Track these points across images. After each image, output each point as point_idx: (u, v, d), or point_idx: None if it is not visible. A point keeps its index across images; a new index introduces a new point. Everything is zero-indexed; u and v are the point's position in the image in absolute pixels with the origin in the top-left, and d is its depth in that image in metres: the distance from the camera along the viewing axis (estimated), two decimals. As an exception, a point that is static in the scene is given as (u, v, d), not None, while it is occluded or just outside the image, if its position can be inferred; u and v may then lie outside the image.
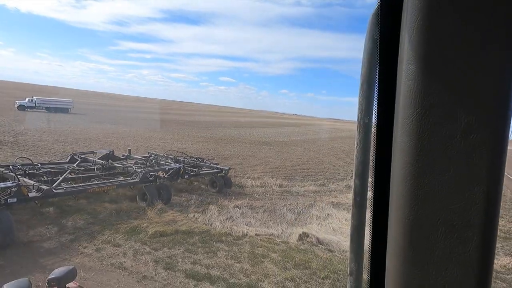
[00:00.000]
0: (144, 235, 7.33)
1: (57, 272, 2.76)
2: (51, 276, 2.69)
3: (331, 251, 7.72)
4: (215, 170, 13.99)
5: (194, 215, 9.53)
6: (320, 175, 20.32)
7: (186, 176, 12.74)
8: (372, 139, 0.83)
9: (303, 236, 8.55)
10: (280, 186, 15.70)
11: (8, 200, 7.28)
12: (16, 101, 43.15)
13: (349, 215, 11.49)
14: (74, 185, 9.46)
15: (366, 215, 0.89)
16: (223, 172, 14.05)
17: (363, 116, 0.84)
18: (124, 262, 6.10)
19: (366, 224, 0.88)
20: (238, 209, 10.94)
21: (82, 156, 12.75)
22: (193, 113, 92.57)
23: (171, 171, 11.71)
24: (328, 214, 11.54)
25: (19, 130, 24.23)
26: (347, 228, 10.13)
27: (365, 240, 0.89)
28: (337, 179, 19.62)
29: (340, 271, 6.18)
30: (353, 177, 0.89)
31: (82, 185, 9.46)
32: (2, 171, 9.32)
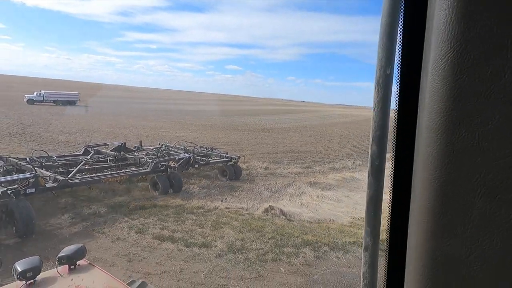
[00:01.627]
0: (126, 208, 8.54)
1: (67, 250, 2.83)
2: (61, 254, 2.77)
3: (290, 220, 8.76)
4: (224, 159, 14.19)
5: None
6: (309, 158, 21.24)
7: (196, 165, 13.01)
8: (393, 95, 0.76)
9: (268, 209, 9.59)
10: (266, 169, 16.69)
11: (27, 190, 7.60)
12: (25, 95, 44.91)
13: (323, 193, 12.48)
14: (88, 175, 9.91)
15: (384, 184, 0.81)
16: (233, 160, 14.20)
17: (383, 70, 0.76)
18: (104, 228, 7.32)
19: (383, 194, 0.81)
20: (218, 188, 12.05)
21: (95, 148, 13.19)
22: (198, 103, 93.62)
23: (181, 161, 12.11)
24: (302, 192, 12.54)
25: (27, 123, 25.76)
26: (314, 203, 11.14)
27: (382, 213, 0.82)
28: (325, 162, 20.53)
29: (286, 234, 7.21)
30: (370, 142, 0.82)
31: (96, 176, 9.88)
32: (20, 164, 9.65)
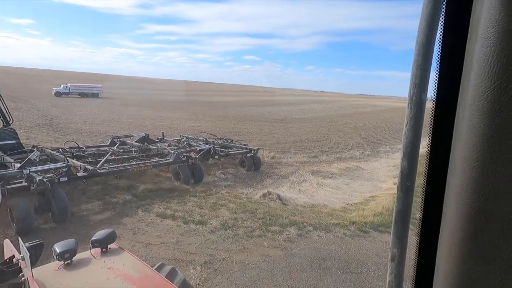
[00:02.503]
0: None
1: (99, 234, 3.02)
2: (94, 238, 2.97)
3: (284, 204, 9.40)
4: (244, 150, 14.48)
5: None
6: (317, 148, 21.59)
7: (216, 156, 13.32)
8: (426, 116, 0.75)
9: (266, 194, 10.26)
10: (272, 158, 17.29)
11: (61, 179, 8.11)
12: (53, 88, 47.70)
13: (323, 181, 12.96)
14: (115, 165, 10.31)
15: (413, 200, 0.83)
16: (252, 152, 14.46)
17: (416, 90, 0.75)
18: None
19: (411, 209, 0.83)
20: (223, 175, 12.84)
21: (121, 139, 13.90)
22: (215, 94, 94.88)
23: (202, 151, 12.50)
24: (303, 180, 13.09)
25: (54, 114, 27.69)
26: (313, 190, 11.68)
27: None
28: (333, 152, 20.83)
29: (276, 215, 7.87)
30: (401, 158, 0.83)
31: (122, 166, 10.32)
32: (54, 154, 10.21)
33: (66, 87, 48.08)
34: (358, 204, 9.71)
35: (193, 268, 5.35)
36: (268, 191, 10.44)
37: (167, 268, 3.30)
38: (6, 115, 12.26)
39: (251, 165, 14.00)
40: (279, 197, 10.14)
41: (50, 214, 7.62)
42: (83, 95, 49.61)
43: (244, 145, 15.30)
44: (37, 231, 6.95)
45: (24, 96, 39.77)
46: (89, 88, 51.86)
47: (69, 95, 47.69)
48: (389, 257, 0.89)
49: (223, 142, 15.38)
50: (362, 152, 21.36)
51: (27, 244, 2.38)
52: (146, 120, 28.66)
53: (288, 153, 18.71)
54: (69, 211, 7.75)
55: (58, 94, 46.22)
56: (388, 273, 0.91)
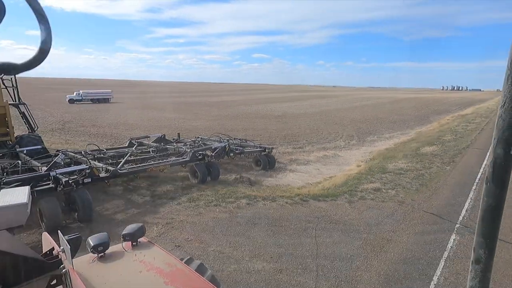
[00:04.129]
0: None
1: (130, 228, 3.06)
2: (125, 232, 3.01)
3: (251, 185, 11.03)
4: (258, 149, 14.72)
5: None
6: (305, 140, 22.95)
7: (231, 154, 13.56)
8: None
9: (238, 178, 11.87)
10: (258, 149, 18.87)
11: (85, 180, 8.52)
12: (67, 96, 50.90)
13: (297, 167, 14.50)
14: (134, 165, 10.72)
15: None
16: (267, 151, 14.64)
17: None
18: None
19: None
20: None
21: (138, 140, 14.54)
22: (222, 94, 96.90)
23: (217, 149, 12.79)
24: (278, 167, 14.65)
25: (66, 120, 30.23)
26: (283, 174, 13.19)
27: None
28: (319, 142, 22.13)
29: (237, 192, 9.52)
30: (494, 144, 0.73)
31: (141, 165, 10.74)
32: (77, 157, 10.76)
33: (79, 94, 51.18)
34: (315, 183, 11.23)
35: (156, 227, 7.13)
36: (240, 175, 12.06)
37: (196, 262, 3.34)
38: (32, 122, 13.00)
39: (266, 163, 14.13)
40: (249, 180, 11.75)
41: (75, 213, 8.08)
42: (94, 101, 52.62)
43: (258, 144, 15.55)
44: (64, 230, 7.61)
45: (40, 105, 42.81)
46: (100, 94, 54.84)
47: (81, 102, 50.79)
48: (472, 259, 0.80)
49: (237, 142, 15.55)
50: (348, 142, 22.58)
51: (66, 237, 2.46)
52: (150, 122, 30.75)
53: (275, 145, 20.25)
54: (93, 210, 8.21)
55: (71, 101, 49.35)
56: (469, 278, 0.82)
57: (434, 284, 5.29)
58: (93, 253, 2.78)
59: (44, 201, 7.46)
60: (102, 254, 2.80)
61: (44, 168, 8.58)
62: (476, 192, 10.18)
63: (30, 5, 0.67)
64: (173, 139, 15.91)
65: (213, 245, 6.28)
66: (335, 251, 6.24)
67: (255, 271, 5.47)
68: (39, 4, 0.67)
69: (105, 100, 54.12)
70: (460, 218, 8.16)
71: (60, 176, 8.26)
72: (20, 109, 12.47)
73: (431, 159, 14.68)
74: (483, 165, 13.52)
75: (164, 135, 15.65)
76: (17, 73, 0.73)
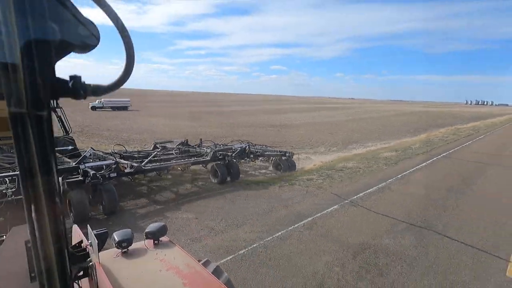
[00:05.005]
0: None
1: (152, 227, 3.18)
2: (148, 230, 3.15)
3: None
4: (278, 153, 15.03)
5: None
6: (290, 146, 25.29)
7: (251, 156, 13.97)
8: None
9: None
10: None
11: (111, 174, 8.89)
12: (90, 103, 56.06)
13: (264, 164, 16.97)
14: (157, 163, 11.13)
15: None
16: (287, 155, 14.89)
17: None
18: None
19: None
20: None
21: (162, 144, 15.25)
22: (237, 104, 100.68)
23: (237, 150, 13.24)
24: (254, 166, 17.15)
25: (86, 124, 34.30)
26: (253, 171, 15.71)
27: None
28: (302, 148, 24.29)
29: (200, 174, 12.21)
30: None
31: (164, 163, 11.17)
32: (105, 156, 11.16)
33: (100, 102, 56.16)
34: (270, 177, 13.71)
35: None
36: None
37: (212, 265, 3.41)
38: (66, 125, 13.85)
39: (286, 167, 14.29)
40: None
41: (101, 206, 8.49)
42: (114, 108, 57.48)
43: (278, 150, 16.12)
44: (90, 221, 7.74)
45: (67, 111, 47.71)
46: (119, 102, 59.71)
47: (102, 109, 55.74)
48: None
49: (257, 148, 15.68)
50: (329, 149, 24.64)
51: (94, 231, 2.52)
52: (162, 128, 34.08)
53: (259, 150, 22.82)
54: (117, 204, 8.59)
55: (93, 108, 54.36)
56: None
57: (296, 228, 7.62)
58: (117, 248, 2.89)
59: (73, 193, 7.92)
60: (126, 250, 2.91)
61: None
62: (388, 183, 12.33)
63: (120, 34, 0.72)
64: (195, 145, 16.16)
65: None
66: (256, 208, 8.87)
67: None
68: (128, 34, 0.73)
69: (124, 108, 58.88)
70: (353, 198, 10.44)
71: (88, 170, 8.71)
72: (57, 113, 13.42)
73: (379, 161, 16.75)
74: (420, 166, 15.42)
75: (187, 140, 15.91)
76: (102, 95, 0.78)
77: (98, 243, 2.41)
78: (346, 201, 10.10)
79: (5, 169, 8.24)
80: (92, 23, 0.68)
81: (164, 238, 3.21)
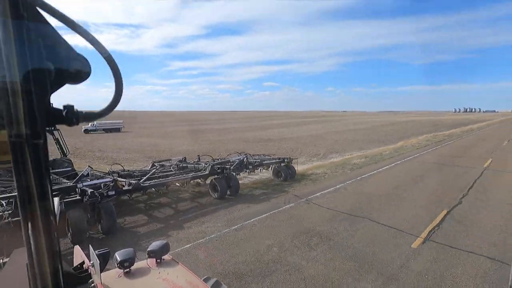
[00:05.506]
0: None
1: (155, 245, 3.14)
2: (150, 249, 3.10)
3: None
4: (277, 160, 14.77)
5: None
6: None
7: (250, 167, 13.77)
8: None
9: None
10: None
11: (109, 192, 8.77)
12: (82, 126, 57.46)
13: (245, 175, 18.45)
14: (156, 180, 11.15)
15: None
16: (286, 161, 14.67)
17: None
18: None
19: None
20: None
21: (161, 163, 15.29)
22: (227, 121, 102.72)
23: (235, 162, 13.21)
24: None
25: (78, 146, 35.58)
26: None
27: None
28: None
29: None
30: None
31: (163, 179, 11.17)
32: (102, 176, 11.22)
33: (93, 124, 57.53)
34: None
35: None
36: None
37: (212, 281, 3.47)
38: (64, 147, 13.98)
39: (287, 174, 14.21)
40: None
41: (99, 225, 8.45)
42: (107, 130, 58.92)
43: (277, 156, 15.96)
44: (89, 240, 7.67)
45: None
46: (112, 124, 61.23)
47: (95, 131, 57.15)
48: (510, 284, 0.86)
49: (255, 158, 15.63)
50: (310, 158, 26.13)
51: (96, 251, 2.48)
52: (150, 147, 35.50)
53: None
54: (116, 223, 8.55)
55: (86, 131, 55.76)
56: None
57: (250, 222, 8.94)
58: (120, 268, 2.83)
59: (71, 212, 7.85)
60: (128, 270, 2.86)
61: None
62: (345, 184, 13.77)
63: (108, 64, 0.77)
64: (193, 161, 16.01)
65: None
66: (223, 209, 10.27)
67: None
68: (116, 64, 0.78)
69: (116, 130, 60.36)
70: (309, 197, 11.86)
71: (86, 188, 8.65)
72: (54, 135, 13.54)
73: (346, 167, 18.30)
74: (381, 169, 16.95)
75: (185, 157, 15.94)
76: (94, 121, 0.85)
77: (100, 263, 2.40)
78: (303, 199, 11.55)
79: (2, 191, 8.21)
80: (83, 57, 0.75)
81: (166, 257, 3.20)
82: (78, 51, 0.75)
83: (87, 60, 0.76)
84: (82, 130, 56.08)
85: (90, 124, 57.72)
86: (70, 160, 13.92)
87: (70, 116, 0.75)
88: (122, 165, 14.26)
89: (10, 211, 7.10)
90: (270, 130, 62.08)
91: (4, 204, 7.38)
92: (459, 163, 19.16)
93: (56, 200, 5.79)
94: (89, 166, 11.74)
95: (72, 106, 0.76)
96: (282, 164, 14.74)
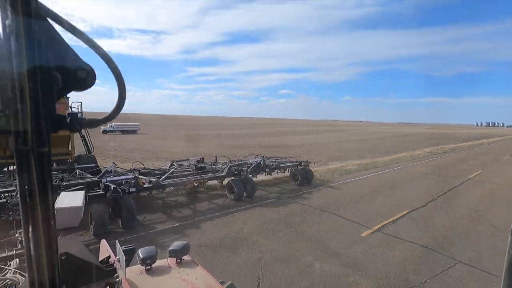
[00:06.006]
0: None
1: (175, 245, 3.20)
2: (171, 248, 3.17)
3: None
4: (294, 163, 14.90)
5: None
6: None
7: (267, 169, 13.96)
8: None
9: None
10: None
11: (130, 189, 9.06)
12: (102, 127, 60.96)
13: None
14: (174, 179, 11.48)
15: None
16: (303, 164, 14.71)
17: None
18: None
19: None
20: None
21: (179, 162, 15.61)
22: (239, 127, 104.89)
23: (252, 165, 13.42)
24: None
25: (95, 145, 38.31)
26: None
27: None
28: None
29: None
30: None
31: (181, 179, 11.58)
32: (124, 173, 11.62)
33: (111, 126, 61.10)
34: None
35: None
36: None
37: (226, 284, 3.55)
38: (89, 145, 14.91)
39: (304, 178, 14.18)
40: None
41: (120, 220, 8.75)
42: (124, 131, 62.21)
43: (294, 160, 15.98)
44: (110, 234, 8.09)
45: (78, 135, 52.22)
46: (129, 126, 64.59)
47: (113, 132, 60.51)
48: None
49: (272, 161, 15.82)
50: (310, 164, 27.53)
51: (123, 247, 2.53)
52: (162, 147, 37.78)
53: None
54: (136, 219, 8.93)
55: (104, 131, 59.19)
56: None
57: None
58: (142, 265, 2.93)
59: (94, 206, 8.23)
60: (150, 267, 2.95)
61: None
62: (329, 185, 15.07)
63: (110, 68, 0.79)
64: (210, 162, 16.24)
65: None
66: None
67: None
68: (117, 67, 0.80)
69: (133, 132, 63.58)
70: (290, 195, 13.28)
71: (109, 184, 9.05)
72: (81, 133, 14.29)
73: (335, 172, 19.57)
74: (371, 174, 18.11)
75: (203, 158, 16.27)
76: (96, 127, 0.87)
77: (125, 259, 2.44)
78: (289, 199, 13.02)
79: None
80: (89, 66, 0.77)
81: (186, 257, 3.26)
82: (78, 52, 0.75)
83: (92, 69, 0.78)
84: (101, 130, 59.50)
85: (108, 125, 61.28)
86: (94, 157, 14.65)
87: (74, 122, 0.78)
88: (143, 163, 14.66)
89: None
90: (280, 137, 63.42)
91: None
92: (446, 173, 20.05)
93: (82, 193, 6.06)
94: (113, 162, 12.48)
95: (76, 113, 0.80)
96: (299, 167, 14.84)
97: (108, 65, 0.81)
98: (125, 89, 0.85)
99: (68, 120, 0.77)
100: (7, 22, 0.63)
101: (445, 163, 26.01)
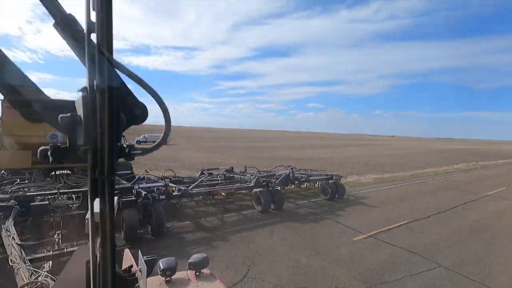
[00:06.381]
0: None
1: (195, 258, 3.16)
2: (191, 260, 3.15)
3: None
4: (324, 177, 14.66)
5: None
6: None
7: (296, 182, 13.83)
8: None
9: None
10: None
11: (160, 196, 9.25)
12: (135, 138, 65.48)
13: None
14: (203, 188, 11.61)
15: None
16: (334, 178, 14.45)
17: None
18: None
19: None
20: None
21: (209, 171, 15.92)
22: (263, 140, 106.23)
23: (281, 177, 13.26)
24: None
25: (129, 154, 41.36)
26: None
27: None
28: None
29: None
30: None
31: (210, 188, 11.74)
32: (156, 180, 11.88)
33: (144, 136, 65.56)
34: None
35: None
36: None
37: None
38: None
39: (334, 192, 13.85)
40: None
41: (149, 227, 8.88)
42: (155, 142, 66.16)
43: (325, 173, 15.70)
44: (139, 240, 8.35)
45: (116, 144, 56.23)
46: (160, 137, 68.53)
47: (146, 143, 64.63)
48: None
49: (302, 173, 15.67)
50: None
51: (144, 257, 2.50)
52: (188, 159, 39.77)
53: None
54: (165, 226, 9.01)
55: (138, 142, 63.50)
56: None
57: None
58: (162, 276, 2.91)
59: (126, 211, 8.36)
60: (169, 279, 2.94)
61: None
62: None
63: (162, 110, 0.92)
64: (240, 171, 16.39)
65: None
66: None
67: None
68: (167, 109, 0.94)
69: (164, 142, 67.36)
70: (299, 202, 13.99)
71: (141, 190, 9.29)
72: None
73: (349, 184, 19.88)
74: (383, 188, 18.26)
75: (232, 167, 16.54)
76: (146, 155, 1.02)
77: (147, 270, 2.42)
78: (299, 207, 13.83)
79: (72, 187, 9.01)
80: (143, 105, 0.89)
81: (205, 270, 3.24)
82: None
83: (145, 107, 0.90)
84: (135, 141, 63.88)
85: (141, 136, 65.78)
86: (131, 164, 14.85)
87: (131, 152, 0.92)
88: (174, 171, 14.65)
89: (78, 205, 7.89)
90: (305, 150, 63.61)
91: (74, 198, 8.17)
92: (465, 188, 19.62)
93: (115, 199, 7.75)
94: (145, 170, 12.78)
95: (133, 145, 0.94)
96: (330, 181, 14.47)
97: (160, 107, 0.95)
98: (170, 125, 0.99)
99: (126, 150, 0.91)
100: (95, 82, 0.75)
101: (469, 179, 25.17)
